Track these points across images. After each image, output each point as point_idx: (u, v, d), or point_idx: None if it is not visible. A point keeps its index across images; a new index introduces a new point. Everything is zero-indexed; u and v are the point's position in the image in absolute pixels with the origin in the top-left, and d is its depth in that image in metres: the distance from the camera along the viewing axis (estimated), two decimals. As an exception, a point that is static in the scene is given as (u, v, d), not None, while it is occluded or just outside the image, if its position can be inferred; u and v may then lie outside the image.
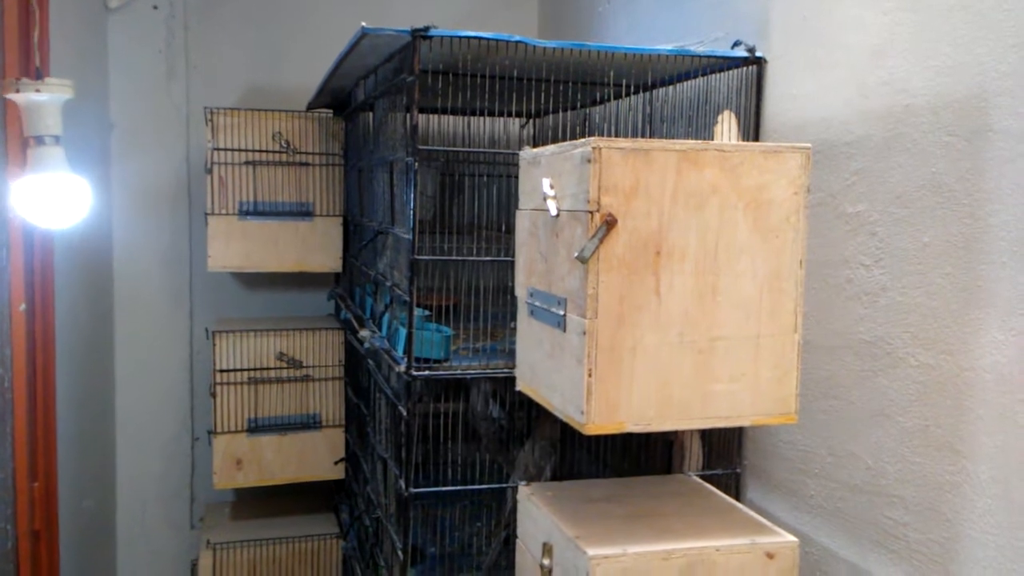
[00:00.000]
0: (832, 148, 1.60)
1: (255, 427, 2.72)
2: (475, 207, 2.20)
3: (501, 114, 2.65)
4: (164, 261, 3.04)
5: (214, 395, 2.69)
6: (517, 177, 1.62)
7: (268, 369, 2.73)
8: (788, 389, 1.42)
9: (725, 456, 1.91)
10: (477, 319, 2.10)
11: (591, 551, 1.38)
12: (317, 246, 2.81)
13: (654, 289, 1.36)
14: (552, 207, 1.44)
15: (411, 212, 1.77)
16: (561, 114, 2.66)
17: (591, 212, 1.32)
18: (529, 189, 1.58)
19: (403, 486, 1.82)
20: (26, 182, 1.71)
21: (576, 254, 1.33)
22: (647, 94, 2.20)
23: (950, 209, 1.36)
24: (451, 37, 1.68)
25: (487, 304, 2.07)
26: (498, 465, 2.11)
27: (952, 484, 1.35)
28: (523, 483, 1.70)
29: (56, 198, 1.73)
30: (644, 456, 2.06)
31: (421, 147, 1.74)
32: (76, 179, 1.76)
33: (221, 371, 2.68)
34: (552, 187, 1.45)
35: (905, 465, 1.45)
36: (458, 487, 1.93)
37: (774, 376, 1.42)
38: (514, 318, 1.70)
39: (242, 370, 2.70)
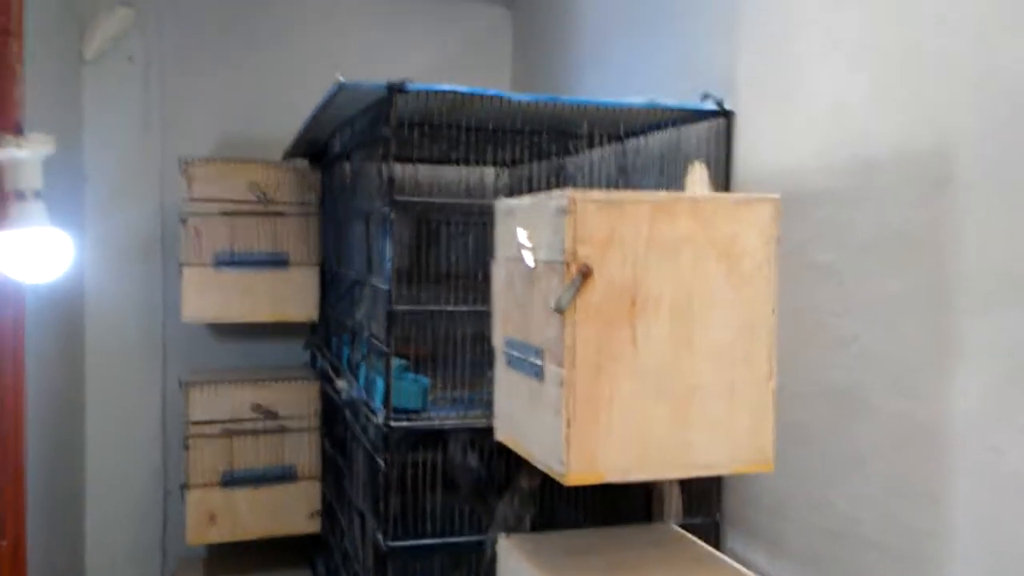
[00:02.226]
0: (800, 198, 1.64)
1: (229, 480, 2.67)
2: (451, 256, 2.21)
3: (476, 163, 2.68)
4: (137, 313, 3.01)
5: (187, 448, 2.64)
6: (493, 226, 1.64)
7: (243, 420, 2.70)
8: (764, 437, 1.43)
9: (704, 504, 1.90)
10: (454, 368, 2.09)
11: (572, 605, 1.36)
12: (293, 295, 2.80)
13: (630, 339, 1.37)
14: (528, 258, 1.45)
15: (388, 263, 1.78)
16: (535, 164, 2.69)
17: (567, 263, 1.33)
18: (505, 239, 1.60)
19: (381, 540, 1.80)
20: (7, 237, 1.71)
21: (552, 304, 1.34)
22: (620, 145, 2.23)
23: (917, 258, 1.39)
24: (427, 91, 1.71)
25: (464, 353, 2.06)
26: (477, 516, 2.09)
27: (930, 531, 1.36)
28: (503, 535, 1.69)
29: (38, 253, 1.72)
30: (624, 505, 2.05)
31: (398, 198, 1.75)
32: (58, 233, 1.76)
33: (195, 423, 2.65)
34: (528, 238, 1.46)
35: (882, 512, 1.45)
36: (437, 540, 1.91)
37: (750, 424, 1.43)
38: (491, 367, 1.70)
39: (216, 422, 2.66)
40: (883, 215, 1.45)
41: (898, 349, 1.42)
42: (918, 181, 1.39)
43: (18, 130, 1.77)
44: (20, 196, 1.69)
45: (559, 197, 1.36)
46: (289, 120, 2.54)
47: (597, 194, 1.35)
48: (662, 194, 1.38)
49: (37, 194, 1.71)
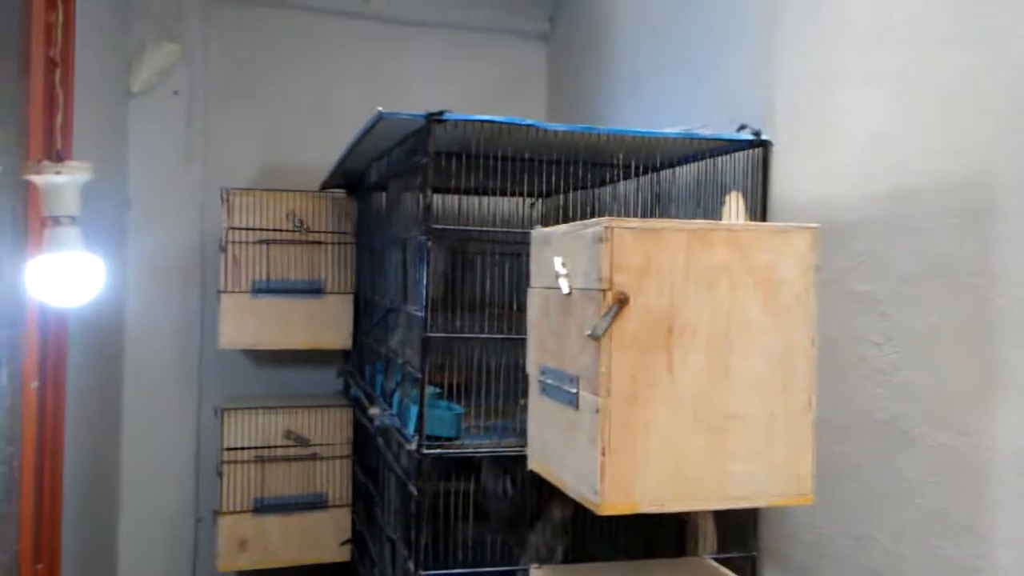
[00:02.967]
0: (838, 228, 1.63)
1: (261, 507, 2.68)
2: (485, 285, 2.22)
3: (511, 194, 2.70)
4: (175, 338, 3.06)
5: (221, 474, 2.66)
6: (527, 255, 1.64)
7: (275, 447, 2.71)
8: (804, 469, 1.41)
9: (740, 538, 1.87)
10: (487, 397, 2.09)
11: (606, 637, 1.34)
12: (328, 323, 2.82)
13: (667, 367, 1.36)
14: (564, 285, 1.45)
15: (423, 290, 1.79)
16: (571, 194, 2.70)
17: (603, 290, 1.33)
18: (541, 267, 1.60)
19: (412, 568, 1.79)
20: (40, 262, 1.74)
21: (589, 332, 1.33)
22: (655, 175, 2.24)
23: (958, 290, 1.37)
24: (465, 121, 1.73)
25: (497, 382, 2.06)
26: (508, 546, 2.07)
27: (974, 568, 1.32)
28: (535, 566, 1.67)
29: (69, 277, 1.76)
30: (657, 537, 2.02)
31: (434, 225, 1.77)
32: (91, 258, 1.79)
33: (228, 449, 2.67)
34: (564, 265, 1.46)
35: (925, 548, 1.42)
36: (468, 569, 1.89)
37: (789, 455, 1.40)
38: (524, 396, 1.70)
39: (249, 448, 2.68)
40: (924, 245, 1.44)
41: (940, 381, 1.40)
42: (959, 211, 1.37)
43: (58, 157, 1.82)
44: (56, 221, 1.73)
45: (596, 225, 1.36)
46: (327, 151, 2.59)
47: (634, 222, 1.35)
48: (699, 222, 1.38)
49: (73, 219, 1.75)
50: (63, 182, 1.77)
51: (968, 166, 1.36)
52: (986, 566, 1.31)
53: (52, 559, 2.01)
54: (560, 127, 1.79)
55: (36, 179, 1.77)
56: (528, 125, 1.77)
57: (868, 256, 1.56)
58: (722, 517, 1.86)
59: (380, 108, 1.74)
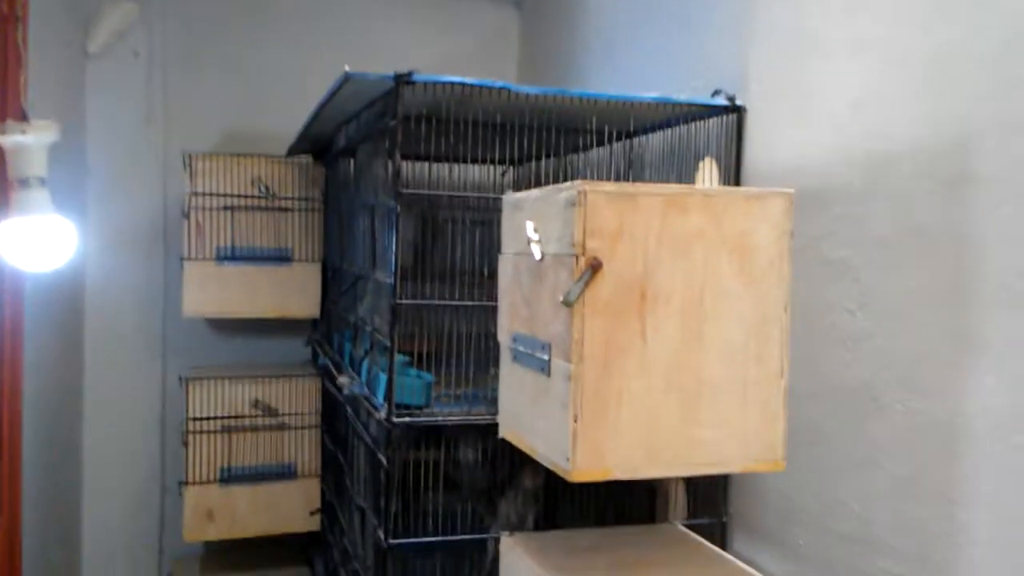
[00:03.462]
0: (813, 194, 1.61)
1: (228, 477, 2.65)
2: (456, 252, 2.18)
3: (482, 161, 2.66)
4: (138, 306, 2.99)
5: (186, 444, 2.62)
6: (498, 223, 1.62)
7: (242, 417, 2.67)
8: (775, 435, 1.41)
9: (710, 504, 1.88)
10: (458, 366, 2.06)
11: (577, 604, 1.34)
12: (295, 292, 2.77)
13: (640, 333, 1.34)
14: (536, 251, 1.43)
15: (393, 257, 1.75)
16: (542, 161, 2.67)
17: (576, 256, 1.31)
18: (512, 233, 1.57)
19: (382, 537, 1.77)
20: (11, 224, 1.68)
21: (561, 298, 1.31)
22: (628, 141, 2.21)
23: (934, 254, 1.36)
24: (434, 83, 1.68)
25: (468, 351, 2.04)
26: (479, 515, 2.06)
27: (945, 533, 1.33)
28: (506, 534, 1.66)
29: (42, 240, 1.70)
30: (627, 504, 2.02)
31: (403, 191, 1.73)
32: (62, 221, 1.73)
33: (194, 419, 2.62)
34: (536, 231, 1.44)
35: (896, 513, 1.43)
36: (439, 538, 1.88)
37: (761, 422, 1.40)
38: (495, 365, 1.67)
39: (216, 418, 2.64)
40: (900, 211, 1.43)
41: (914, 346, 1.40)
42: (937, 177, 1.36)
43: (23, 116, 1.74)
44: (24, 183, 1.67)
45: (569, 188, 1.33)
46: (293, 116, 2.52)
47: (608, 186, 1.33)
48: (674, 187, 1.36)
49: (41, 181, 1.69)
50: (29, 142, 1.70)
51: (947, 133, 1.35)
52: (955, 530, 1.32)
53: (12, 527, 1.96)
54: (532, 90, 1.75)
55: (1, 140, 1.70)
56: (500, 88, 1.73)
57: (843, 222, 1.55)
58: (692, 484, 1.87)
59: (347, 68, 1.69)
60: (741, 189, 1.47)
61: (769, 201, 1.39)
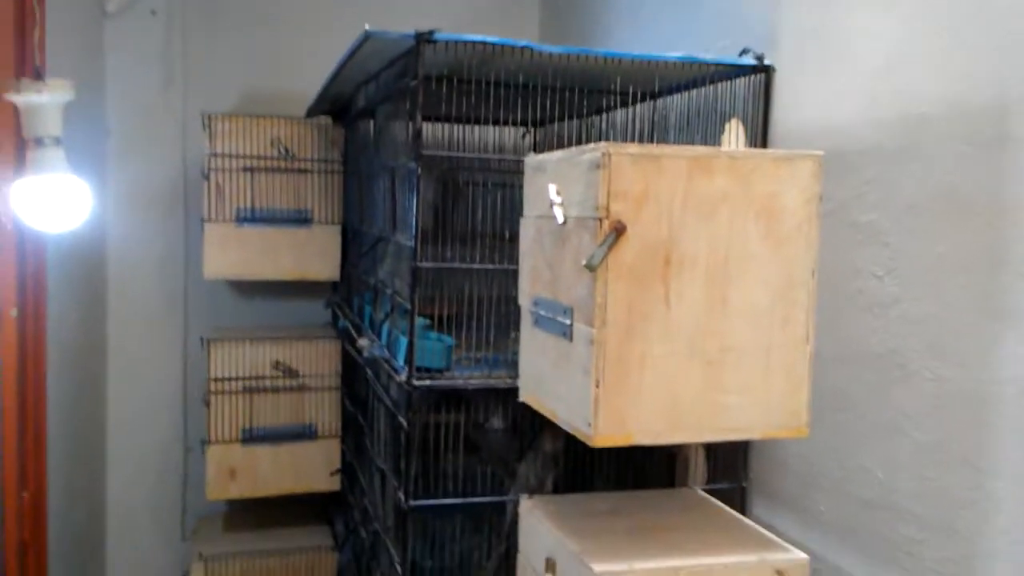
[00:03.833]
0: (842, 157, 1.58)
1: (249, 437, 2.67)
2: (476, 216, 2.16)
3: (503, 123, 2.62)
4: (159, 268, 3.00)
5: (208, 404, 2.64)
6: (520, 186, 1.60)
7: (263, 378, 2.69)
8: (799, 402, 1.39)
9: (730, 470, 1.87)
10: (478, 329, 2.06)
11: (597, 567, 1.34)
12: (315, 254, 2.77)
13: (663, 298, 1.33)
14: (559, 214, 1.41)
15: (413, 219, 1.74)
16: (564, 123, 2.63)
17: (600, 219, 1.29)
18: (534, 196, 1.55)
19: (402, 498, 1.78)
20: (26, 184, 1.68)
21: (584, 262, 1.30)
22: (652, 103, 2.17)
23: (966, 219, 1.33)
24: (456, 41, 1.65)
25: (488, 314, 2.03)
26: (498, 478, 2.07)
27: (969, 500, 1.32)
28: (525, 496, 1.67)
29: (57, 200, 1.69)
30: (647, 470, 2.02)
31: (424, 152, 1.71)
32: (77, 181, 1.73)
33: (216, 380, 2.64)
34: (559, 194, 1.42)
35: (920, 480, 1.41)
36: (458, 499, 1.89)
37: (785, 388, 1.39)
38: (516, 329, 1.66)
39: (237, 379, 2.66)
40: (932, 174, 1.40)
41: (942, 313, 1.37)
42: (971, 138, 1.33)
43: (38, 75, 1.73)
44: (39, 142, 1.66)
45: (593, 150, 1.31)
46: (313, 76, 2.49)
47: (633, 148, 1.30)
48: (700, 149, 1.33)
49: (57, 141, 1.68)
50: (44, 102, 1.69)
51: (981, 92, 1.31)
52: (981, 498, 1.30)
53: (38, 487, 1.99)
54: (556, 49, 1.72)
55: (16, 99, 1.69)
56: (522, 47, 1.69)
57: (873, 185, 1.52)
58: (712, 449, 1.86)
59: (367, 26, 1.66)
60: (768, 151, 1.44)
61: (797, 164, 1.36)
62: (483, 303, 2.01)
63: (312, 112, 2.77)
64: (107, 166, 2.90)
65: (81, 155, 2.43)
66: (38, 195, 1.68)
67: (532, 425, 2.00)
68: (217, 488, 2.67)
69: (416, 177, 1.71)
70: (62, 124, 1.70)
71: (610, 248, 1.29)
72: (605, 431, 1.32)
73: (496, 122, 2.50)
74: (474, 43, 1.67)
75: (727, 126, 1.82)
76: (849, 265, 1.56)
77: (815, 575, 1.62)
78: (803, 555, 1.41)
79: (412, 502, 1.77)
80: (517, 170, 1.73)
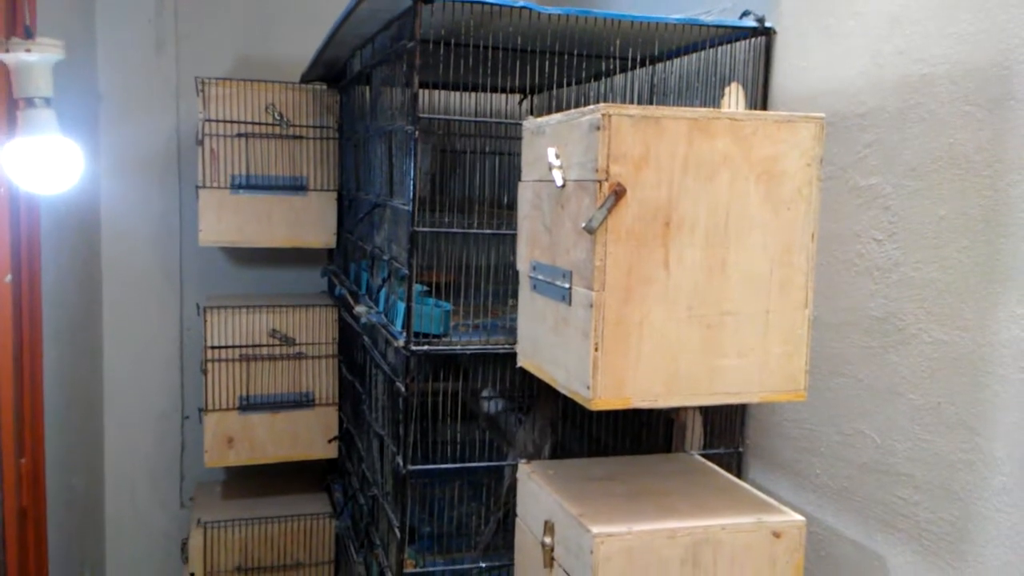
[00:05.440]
0: (843, 120, 1.57)
1: (247, 405, 2.68)
2: (474, 182, 2.15)
3: (500, 90, 2.60)
4: (154, 234, 2.99)
5: (205, 372, 2.64)
6: (517, 154, 1.58)
7: (260, 346, 2.68)
8: (797, 366, 1.40)
9: (727, 435, 1.88)
10: (476, 297, 2.06)
11: (595, 529, 1.35)
12: (311, 221, 2.76)
13: (663, 262, 1.32)
14: (558, 177, 1.40)
15: (411, 183, 1.73)
16: (563, 90, 2.61)
17: (599, 181, 1.28)
18: (533, 160, 1.54)
19: (401, 464, 1.79)
20: (16, 145, 1.65)
21: (584, 224, 1.29)
22: (651, 68, 2.15)
23: (968, 181, 1.32)
24: (453, 2, 1.63)
25: (486, 283, 2.03)
26: (495, 445, 2.08)
27: (965, 462, 1.33)
28: (523, 461, 1.67)
29: (47, 162, 1.67)
30: (644, 435, 2.03)
31: (422, 115, 1.69)
32: (67, 142, 1.70)
33: (212, 347, 2.64)
34: (558, 156, 1.41)
35: (916, 443, 1.42)
36: (457, 464, 1.90)
37: (783, 352, 1.39)
38: (513, 297, 1.66)
39: (234, 347, 2.65)
40: (935, 136, 1.38)
41: (943, 276, 1.37)
42: (976, 99, 1.31)
43: (27, 34, 1.70)
44: (29, 103, 1.63)
45: (592, 112, 1.30)
46: (308, 41, 2.47)
47: (633, 109, 1.29)
48: (701, 110, 1.32)
49: (47, 101, 1.65)
50: (34, 61, 1.66)
51: (986, 52, 1.30)
52: (977, 460, 1.31)
53: (36, 453, 1.99)
54: (554, 10, 1.70)
55: (6, 58, 1.66)
56: (521, 7, 1.67)
57: (874, 149, 1.51)
58: (709, 414, 1.87)
59: (364, -14, 1.64)
60: (770, 113, 1.43)
61: (799, 126, 1.35)
62: (480, 271, 2.00)
63: (307, 78, 2.74)
64: (99, 131, 2.87)
65: (73, 119, 2.41)
66: (29, 156, 1.65)
67: (530, 393, 2.01)
68: (215, 455, 2.67)
69: (413, 140, 1.70)
70: (53, 85, 1.68)
71: (610, 211, 1.28)
72: (604, 394, 1.32)
73: (494, 89, 2.47)
74: (472, 3, 1.64)
75: (727, 90, 1.80)
76: (849, 229, 1.56)
77: (810, 537, 1.63)
78: (799, 517, 1.42)
79: (410, 467, 1.77)
80: (515, 135, 1.71)
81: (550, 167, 1.41)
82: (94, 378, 2.92)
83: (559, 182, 1.39)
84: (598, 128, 1.28)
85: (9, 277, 1.81)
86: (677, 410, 1.89)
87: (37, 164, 1.66)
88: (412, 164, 1.72)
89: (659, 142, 1.30)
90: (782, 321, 1.38)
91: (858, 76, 1.54)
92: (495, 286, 2.08)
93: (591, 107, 1.31)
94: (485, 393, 2.09)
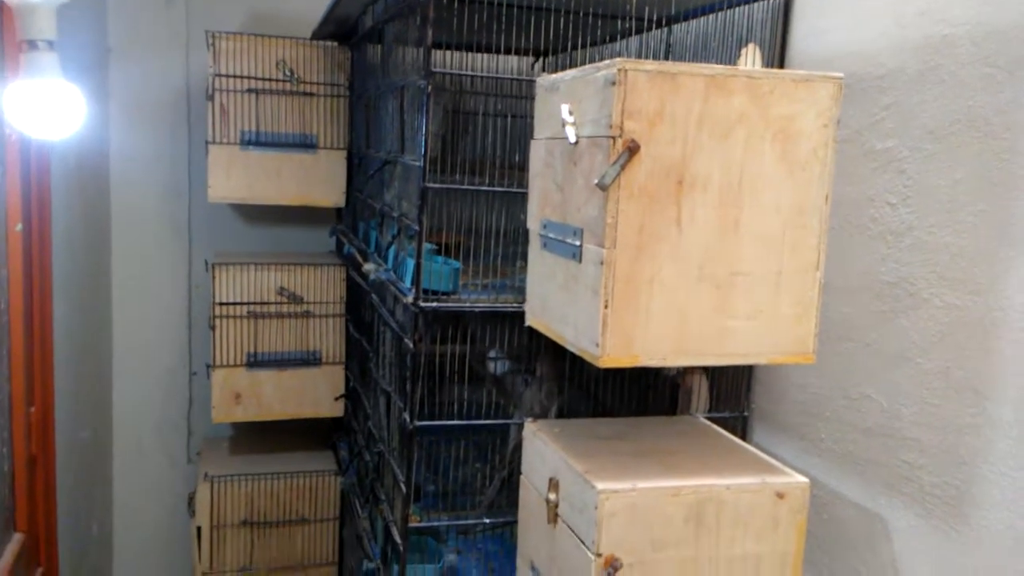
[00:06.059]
0: (861, 82, 1.55)
1: (254, 362, 2.69)
2: (486, 142, 2.14)
3: (513, 51, 2.57)
4: (163, 190, 2.98)
5: (213, 328, 2.65)
6: (528, 117, 1.57)
7: (268, 304, 2.69)
8: (807, 328, 1.39)
9: (732, 399, 1.88)
10: (485, 258, 2.06)
11: (600, 485, 1.36)
12: (320, 179, 2.75)
13: (675, 220, 1.31)
14: (571, 134, 1.38)
15: (422, 139, 1.72)
16: (577, 52, 2.58)
17: (613, 138, 1.27)
18: (545, 117, 1.53)
19: (407, 419, 1.80)
20: (18, 87, 1.63)
21: (596, 181, 1.28)
22: (667, 30, 2.12)
23: (987, 144, 1.31)
24: (469, -45, 1.61)
25: (496, 244, 2.02)
26: (502, 406, 2.09)
27: (972, 426, 1.33)
28: (529, 420, 1.68)
29: (49, 106, 1.65)
30: (650, 398, 2.04)
31: (434, 69, 1.68)
32: (70, 87, 1.68)
33: (220, 304, 2.64)
34: (571, 113, 1.39)
35: (923, 407, 1.42)
36: (463, 421, 1.91)
37: (793, 314, 1.38)
38: (522, 259, 1.66)
39: (242, 304, 2.66)
40: (954, 98, 1.37)
41: (955, 240, 1.36)
42: (997, 61, 1.30)
43: (30, -29, 1.67)
44: (32, 45, 1.61)
45: (608, 67, 1.28)
46: (318, -3, 2.44)
47: (649, 64, 1.27)
48: (718, 67, 1.30)
49: (50, 44, 1.63)
50: (37, 2, 1.63)
51: (1008, 12, 1.28)
52: (984, 424, 1.31)
53: (46, 403, 2.01)
54: (571, -34, 1.67)
55: (8, -1, 1.64)
56: (537, -38, 1.65)
57: (891, 111, 1.49)
58: (715, 378, 1.87)
59: (378, -63, 1.61)
60: (788, 72, 1.41)
61: (817, 85, 1.34)
62: (490, 233, 2.00)
63: (318, 34, 2.72)
64: (109, 85, 2.86)
65: (82, 71, 2.39)
66: (30, 100, 1.63)
67: (537, 354, 2.01)
68: (223, 411, 2.69)
69: (426, 95, 1.68)
70: (56, 27, 1.65)
71: (623, 167, 1.27)
72: (612, 352, 1.32)
73: (507, 50, 2.45)
74: (487, -43, 1.62)
75: (743, 51, 1.78)
76: (863, 193, 1.55)
77: (813, 499, 1.64)
78: (803, 478, 1.42)
79: (417, 423, 1.78)
80: (527, 95, 1.69)
81: (563, 124, 1.40)
82: (103, 332, 2.93)
83: (572, 139, 1.38)
84: (613, 83, 1.26)
85: (20, 226, 1.81)
86: (683, 374, 1.89)
87: (38, 108, 1.64)
88: (424, 120, 1.70)
89: (675, 98, 1.29)
90: (793, 283, 1.38)
91: (879, 37, 1.52)
92: (504, 248, 2.08)
93: (606, 62, 1.29)
94: (492, 354, 2.09)
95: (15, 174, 1.79)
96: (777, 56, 1.77)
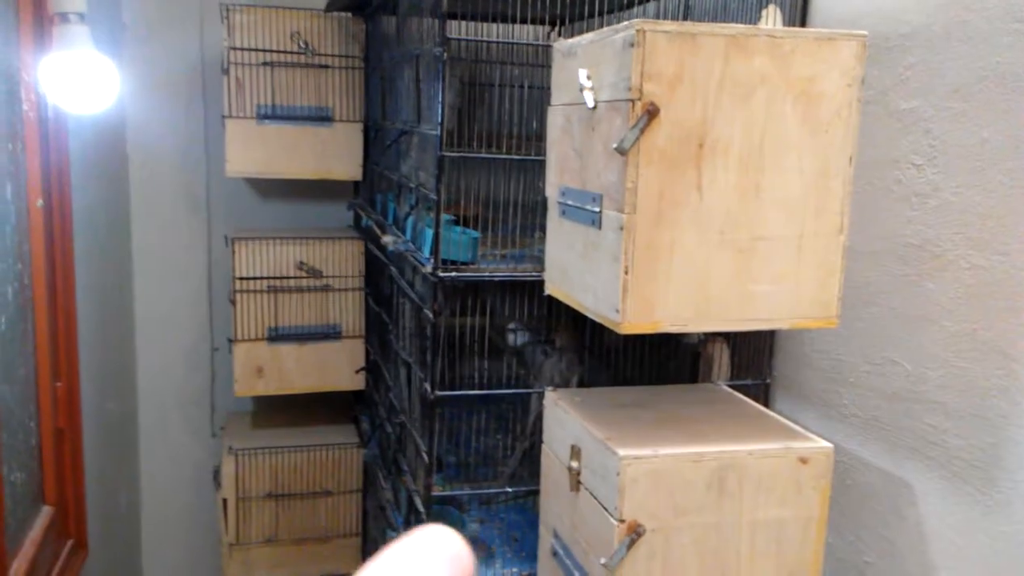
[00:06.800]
0: (885, 41, 1.52)
1: (275, 336, 2.71)
2: (502, 112, 2.12)
3: (530, 20, 2.54)
4: (180, 164, 2.99)
5: (234, 303, 2.67)
6: (545, 87, 1.55)
7: (288, 278, 2.70)
8: (830, 292, 1.38)
9: (754, 367, 1.87)
10: (503, 229, 2.05)
11: (622, 452, 1.35)
12: (337, 153, 2.74)
13: (695, 184, 1.30)
14: (589, 99, 1.37)
15: (439, 108, 1.70)
16: (593, 20, 2.55)
17: (632, 101, 1.25)
18: (563, 83, 1.51)
19: (428, 389, 1.80)
20: (51, 60, 1.63)
21: (615, 145, 1.26)
22: (684, -7, 2.09)
23: (1015, 101, 1.28)
24: (483, -82, 1.58)
25: (514, 216, 2.01)
26: (522, 378, 2.09)
27: (1000, 388, 1.31)
28: (550, 388, 1.68)
29: (83, 79, 1.65)
30: (671, 366, 2.03)
31: (450, 36, 1.66)
32: (103, 59, 1.67)
33: (240, 279, 2.66)
34: (589, 78, 1.38)
35: (948, 370, 1.40)
36: (483, 391, 1.91)
37: (816, 278, 1.37)
38: (541, 230, 1.65)
39: (262, 278, 2.67)
40: (980, 56, 1.34)
41: (983, 201, 1.34)
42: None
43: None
44: (64, 18, 1.61)
45: (626, 28, 1.26)
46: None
47: (668, 25, 1.25)
48: (738, 27, 1.28)
49: (81, 17, 1.63)
50: (65, -27, 1.63)
51: (1039, -35, 1.25)
52: (1011, 385, 1.29)
53: (71, 378, 2.03)
54: (587, -72, 1.64)
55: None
56: (553, -75, 1.62)
57: (916, 70, 1.46)
58: (736, 346, 1.86)
59: (391, -97, 1.59)
60: (810, 31, 1.38)
61: (840, 45, 1.31)
62: (508, 204, 1.99)
63: (332, 6, 2.70)
64: (125, 61, 2.86)
65: (99, 48, 2.39)
66: (64, 73, 1.63)
67: (556, 324, 2.01)
68: (245, 385, 2.72)
69: (441, 64, 1.67)
70: (86, 1, 1.65)
71: (642, 131, 1.26)
72: (633, 318, 1.31)
73: (523, 19, 2.42)
74: (502, -79, 1.59)
75: (764, 13, 1.75)
76: (887, 155, 1.52)
77: (837, 465, 1.63)
78: (827, 444, 1.41)
79: (438, 392, 1.79)
80: (544, 63, 1.67)
81: (581, 88, 1.38)
82: (124, 307, 2.96)
83: (590, 104, 1.36)
84: (632, 45, 1.24)
85: (41, 202, 1.82)
86: (704, 342, 1.88)
87: (73, 81, 1.64)
88: (440, 89, 1.69)
89: (695, 60, 1.27)
90: (816, 247, 1.36)
91: (903, -6, 1.49)
92: (522, 219, 2.06)
93: (624, 24, 1.27)
94: (511, 326, 2.09)
95: (34, 150, 1.79)
96: (799, 16, 1.74)
